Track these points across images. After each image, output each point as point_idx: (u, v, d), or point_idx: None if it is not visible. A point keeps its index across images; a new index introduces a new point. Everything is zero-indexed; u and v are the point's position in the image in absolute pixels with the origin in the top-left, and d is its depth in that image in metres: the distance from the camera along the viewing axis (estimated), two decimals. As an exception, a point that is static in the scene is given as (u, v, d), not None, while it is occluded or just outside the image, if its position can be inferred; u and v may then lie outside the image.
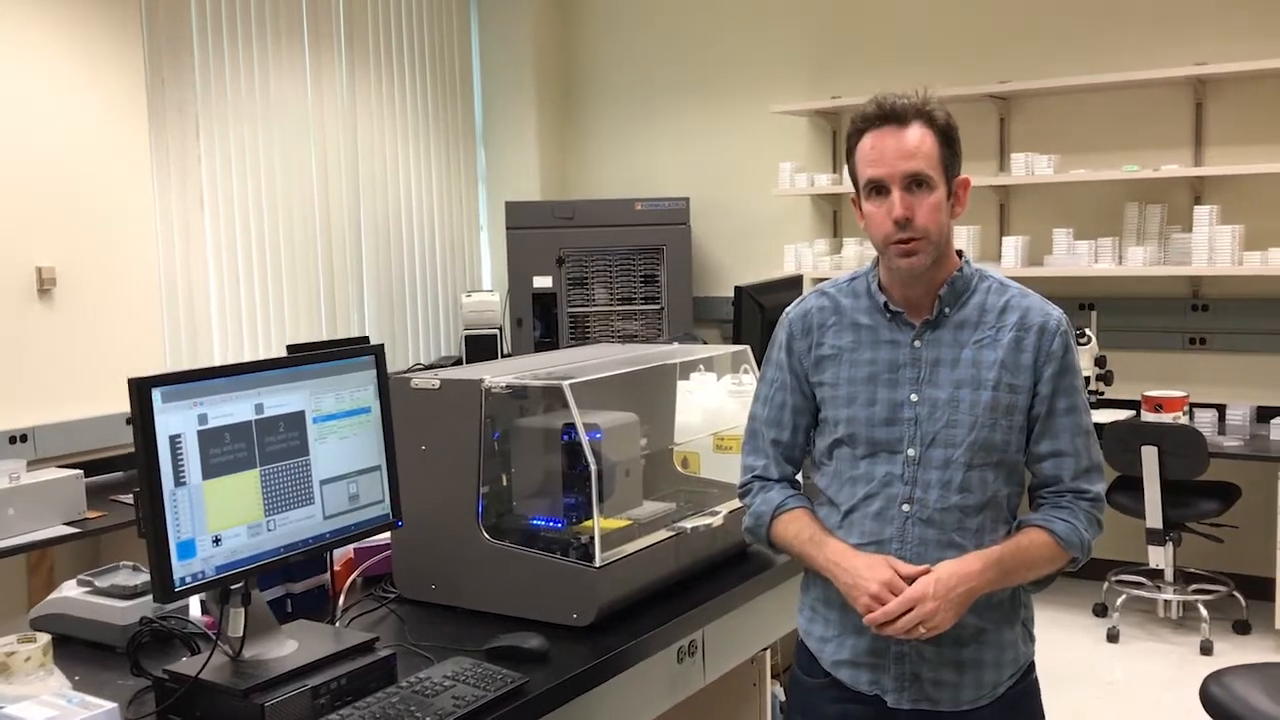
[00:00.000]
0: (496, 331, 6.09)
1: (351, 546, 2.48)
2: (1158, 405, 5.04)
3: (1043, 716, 2.04)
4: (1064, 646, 4.87)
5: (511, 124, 6.91)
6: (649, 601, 2.32)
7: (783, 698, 3.03)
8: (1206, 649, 4.77)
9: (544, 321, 6.29)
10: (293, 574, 2.30)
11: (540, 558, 2.21)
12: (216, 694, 1.78)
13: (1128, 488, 4.95)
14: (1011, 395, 1.91)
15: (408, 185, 6.39)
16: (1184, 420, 5.01)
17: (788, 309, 2.11)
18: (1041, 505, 1.96)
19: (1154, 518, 4.89)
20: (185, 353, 5.10)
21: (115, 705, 1.75)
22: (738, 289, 3.93)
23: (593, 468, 2.19)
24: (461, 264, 6.82)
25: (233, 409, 1.84)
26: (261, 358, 5.00)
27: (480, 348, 6.00)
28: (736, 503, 2.51)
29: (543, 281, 6.27)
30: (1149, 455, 4.81)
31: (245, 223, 5.42)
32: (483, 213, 7.02)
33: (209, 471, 1.80)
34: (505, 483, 2.40)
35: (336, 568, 2.45)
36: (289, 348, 5.16)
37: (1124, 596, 5.13)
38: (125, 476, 4.45)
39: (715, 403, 3.02)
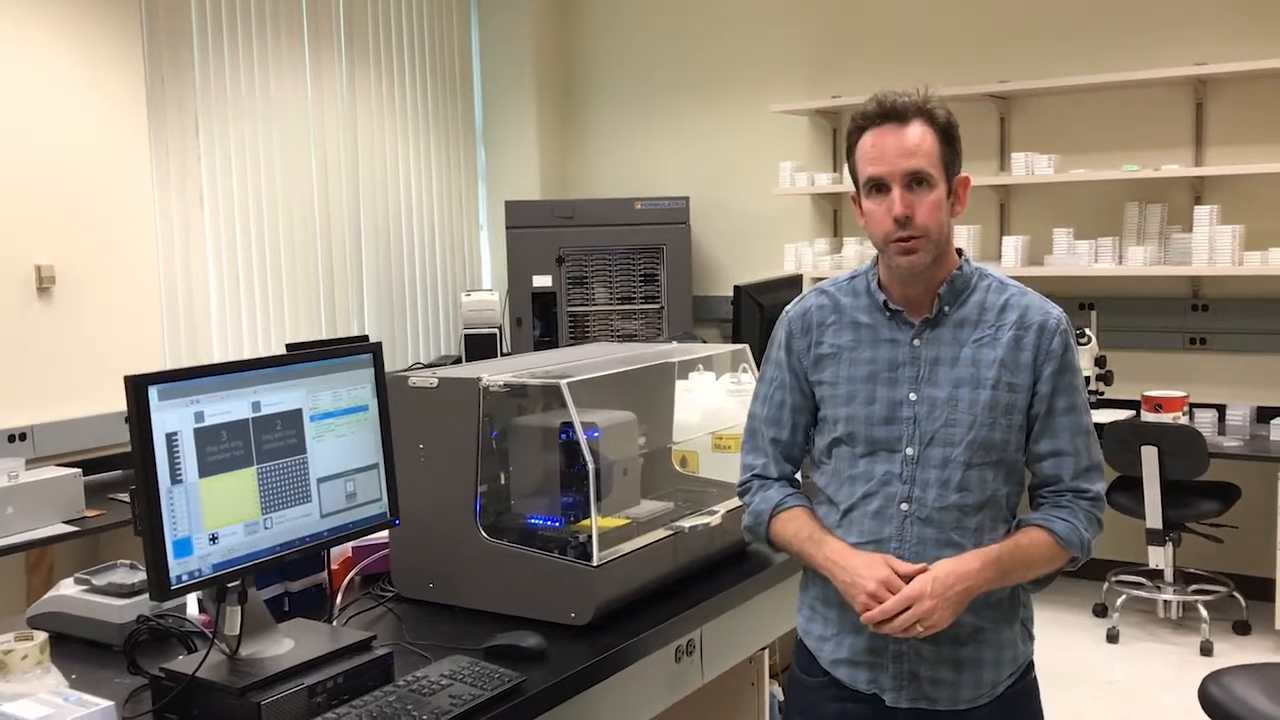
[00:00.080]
0: (496, 331, 6.09)
1: (349, 545, 2.48)
2: (1158, 405, 5.04)
3: (1041, 716, 2.03)
4: (1063, 646, 4.86)
5: (511, 123, 6.91)
6: (647, 600, 2.32)
7: (781, 697, 3.03)
8: (1206, 649, 4.76)
9: (544, 321, 6.29)
10: (290, 572, 2.30)
11: (538, 556, 2.21)
12: (213, 692, 1.77)
13: (1128, 488, 4.95)
14: (1011, 394, 1.90)
15: (408, 184, 6.39)
16: (1184, 420, 5.01)
17: (787, 307, 2.11)
18: (1041, 504, 1.96)
19: (1154, 518, 4.89)
20: (184, 351, 5.09)
21: (111, 704, 1.74)
22: (737, 288, 3.93)
23: (590, 467, 2.18)
24: (461, 263, 6.82)
25: (229, 407, 1.84)
26: (272, 355, 5.00)
27: (480, 347, 5.99)
28: (735, 502, 2.51)
29: (542, 281, 6.26)
30: (1149, 455, 4.80)
31: (245, 221, 5.41)
32: (482, 212, 7.01)
33: (205, 469, 1.79)
34: (503, 481, 2.40)
35: (334, 566, 2.45)
36: (288, 346, 5.16)
37: (1124, 597, 5.12)
38: (124, 475, 4.45)
39: (714, 402, 3.02)
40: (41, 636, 1.94)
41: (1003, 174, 5.68)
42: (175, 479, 1.75)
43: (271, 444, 1.90)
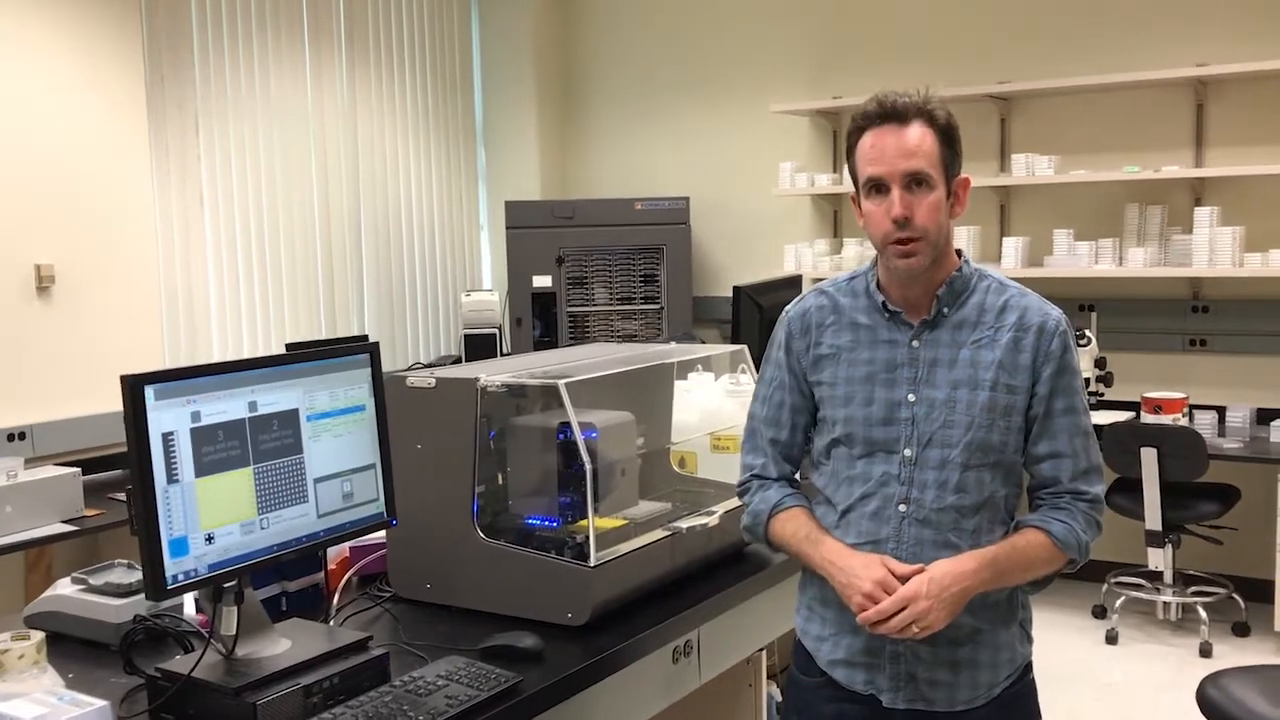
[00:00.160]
0: (496, 331, 6.08)
1: (347, 545, 2.48)
2: (1157, 407, 5.03)
3: (1039, 718, 2.03)
4: (1063, 648, 4.86)
5: (512, 123, 6.90)
6: (644, 601, 2.32)
7: (779, 698, 3.03)
8: (1205, 651, 4.76)
9: (543, 321, 6.28)
10: (287, 572, 2.29)
11: (535, 557, 2.21)
12: (209, 692, 1.77)
13: (1127, 489, 4.94)
14: (1009, 396, 1.90)
15: (408, 184, 6.39)
16: (1184, 422, 5.00)
17: (787, 308, 2.11)
18: (1040, 506, 1.96)
19: (1153, 520, 4.88)
20: (184, 351, 5.09)
21: (106, 703, 1.74)
22: (736, 289, 3.93)
23: (588, 467, 2.18)
24: (461, 263, 6.82)
25: (226, 407, 1.83)
26: (269, 355, 5.00)
27: (479, 347, 5.99)
28: (733, 503, 2.51)
29: (542, 281, 6.26)
30: (1148, 457, 4.80)
31: (245, 221, 5.41)
32: (483, 212, 7.01)
33: (202, 469, 1.79)
34: (501, 482, 2.40)
35: (331, 566, 2.45)
36: (288, 346, 5.16)
37: (1123, 598, 5.12)
38: (123, 474, 4.44)
39: (713, 403, 3.01)
40: (38, 636, 1.93)
41: (1003, 175, 5.68)
42: (171, 479, 1.75)
43: (268, 444, 1.90)
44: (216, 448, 1.82)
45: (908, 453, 1.91)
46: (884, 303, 1.96)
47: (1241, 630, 4.97)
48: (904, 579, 1.83)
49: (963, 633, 1.90)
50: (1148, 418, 5.04)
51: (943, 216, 1.89)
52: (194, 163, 5.18)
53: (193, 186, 5.17)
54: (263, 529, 1.89)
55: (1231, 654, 4.75)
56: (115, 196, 4.79)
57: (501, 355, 6.01)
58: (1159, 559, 4.96)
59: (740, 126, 6.51)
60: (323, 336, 5.67)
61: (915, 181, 1.86)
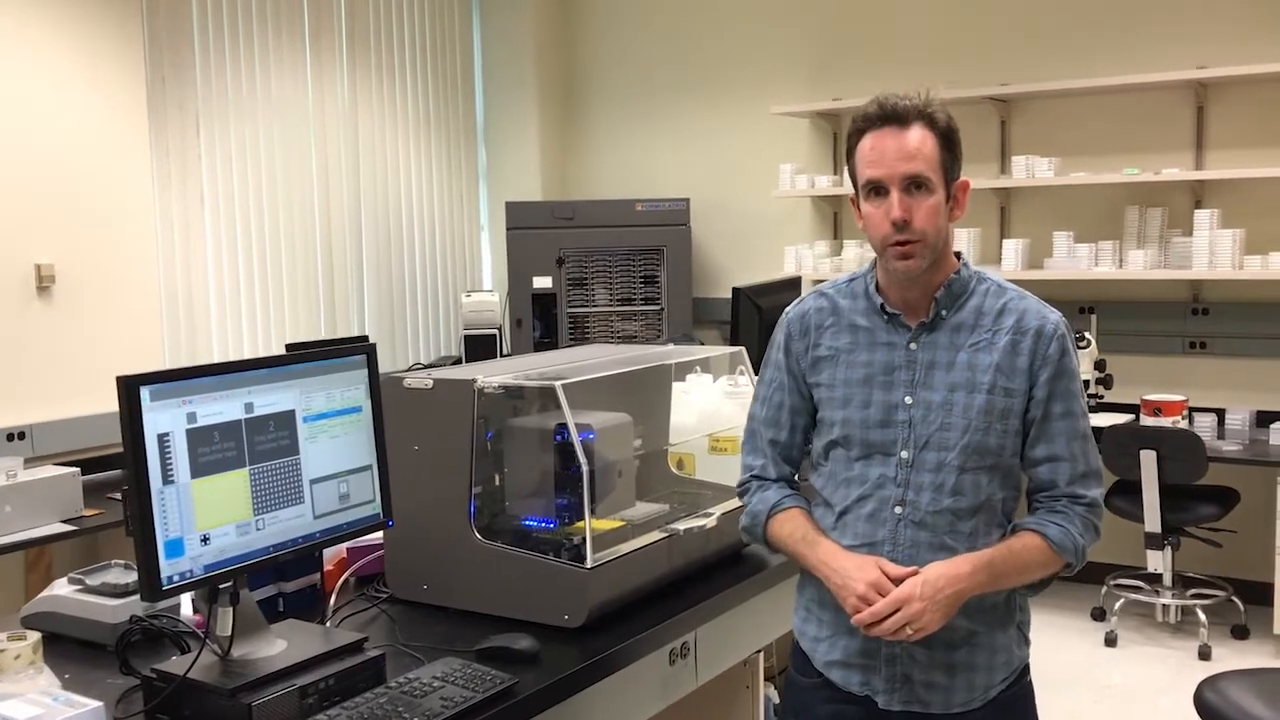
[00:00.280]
0: (496, 332, 6.08)
1: (344, 546, 2.48)
2: (1157, 409, 5.03)
3: (1036, 720, 2.03)
4: (1061, 650, 4.86)
5: (512, 123, 6.91)
6: (641, 603, 2.32)
7: (776, 700, 3.03)
8: (1204, 654, 4.76)
9: (544, 322, 6.28)
10: (284, 573, 2.29)
11: (531, 558, 2.21)
12: (204, 693, 1.77)
13: (1126, 492, 4.94)
14: (1006, 399, 1.90)
15: (408, 184, 6.39)
16: (1183, 424, 5.00)
17: (787, 309, 2.11)
18: (1038, 509, 1.96)
19: (1152, 522, 4.88)
20: (184, 351, 5.09)
21: (101, 704, 1.74)
22: (735, 290, 3.93)
23: (585, 468, 2.18)
24: (462, 264, 6.82)
25: (222, 408, 1.83)
26: (261, 356, 5.00)
27: (479, 348, 5.99)
28: (730, 504, 2.52)
29: (543, 282, 6.26)
30: (1148, 459, 4.80)
31: (245, 221, 5.41)
32: (483, 212, 7.01)
33: (197, 470, 1.79)
34: (498, 483, 2.40)
35: (328, 567, 2.45)
36: (288, 346, 5.16)
37: (1122, 600, 5.12)
38: (122, 475, 4.43)
39: (711, 404, 3.02)
40: (34, 636, 1.93)
41: (1003, 177, 5.68)
42: (167, 479, 1.75)
43: (264, 445, 1.90)
44: (212, 449, 1.82)
45: (904, 455, 1.91)
46: (882, 305, 1.97)
47: (1241, 633, 4.97)
48: (898, 581, 1.83)
49: (958, 635, 1.90)
50: (1147, 420, 5.04)
51: (941, 220, 1.89)
52: (194, 163, 5.18)
53: (193, 186, 5.17)
54: (258, 530, 1.89)
55: (1231, 657, 4.75)
56: (116, 196, 4.79)
57: (501, 356, 6.01)
58: (1158, 561, 4.96)
59: (740, 128, 6.51)
60: (323, 337, 5.67)
61: (914, 184, 1.86)
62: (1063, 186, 5.54)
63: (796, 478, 2.12)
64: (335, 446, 2.03)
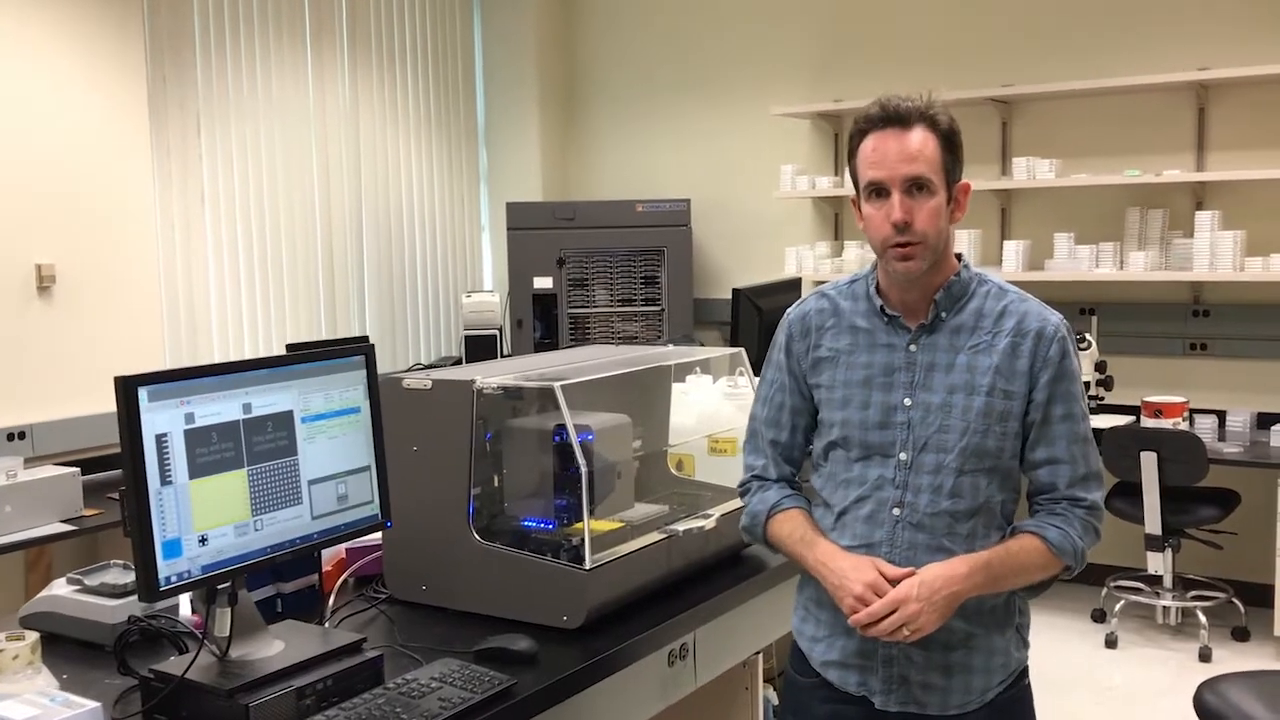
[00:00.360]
0: (496, 332, 6.08)
1: (343, 546, 2.48)
2: (1157, 411, 5.03)
3: (1033, 723, 2.03)
4: (1062, 652, 4.86)
5: (513, 124, 6.91)
6: (640, 604, 2.31)
7: (775, 701, 3.02)
8: (1205, 656, 4.75)
9: (544, 322, 6.28)
10: (283, 574, 2.29)
11: (530, 559, 2.21)
12: (202, 694, 1.77)
13: (1127, 493, 4.93)
14: (1006, 401, 1.90)
15: (409, 185, 6.39)
16: (1184, 426, 4.99)
17: (788, 310, 2.11)
18: (1038, 512, 1.95)
19: (1153, 524, 4.87)
20: (185, 351, 5.10)
21: (98, 705, 1.74)
22: (735, 291, 3.93)
23: (584, 469, 2.18)
24: (462, 264, 6.82)
25: (220, 408, 1.83)
26: (262, 356, 5.00)
27: (480, 348, 5.99)
28: (729, 506, 2.52)
29: (543, 282, 6.26)
30: (1148, 461, 4.79)
31: (246, 221, 5.42)
32: (484, 213, 7.01)
33: (195, 471, 1.79)
34: (497, 484, 2.39)
35: (327, 568, 2.45)
36: (288, 346, 5.16)
37: (1123, 602, 5.11)
38: (122, 475, 4.44)
39: (710, 405, 3.02)
40: (33, 636, 1.93)
41: (1004, 178, 5.67)
42: (165, 480, 1.75)
43: (262, 445, 1.90)
44: (210, 449, 1.82)
45: (903, 456, 1.91)
46: (882, 307, 1.96)
47: (1241, 635, 4.96)
48: (895, 581, 1.83)
49: (956, 637, 1.90)
50: (1148, 422, 5.03)
51: (942, 222, 1.89)
52: (195, 163, 5.18)
53: (194, 187, 5.18)
54: (257, 531, 1.89)
55: (1231, 659, 4.75)
56: (116, 196, 4.79)
57: (502, 356, 6.01)
58: (1159, 563, 4.96)
59: (741, 129, 6.51)
60: (323, 337, 5.67)
61: (916, 186, 1.86)
62: (1064, 188, 5.53)
63: (798, 478, 2.12)
64: (334, 447, 2.03)
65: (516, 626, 2.15)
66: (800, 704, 2.06)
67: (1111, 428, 4.97)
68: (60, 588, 2.23)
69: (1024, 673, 2.00)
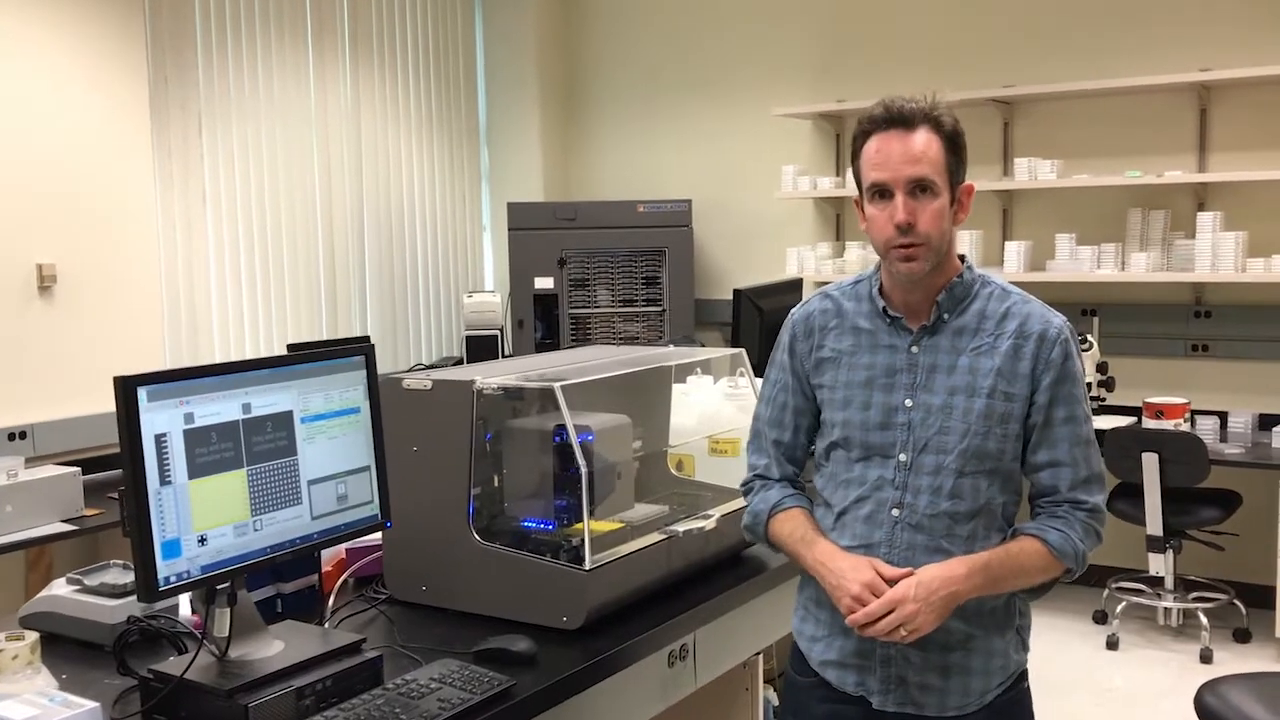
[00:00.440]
0: (497, 332, 6.09)
1: (343, 546, 2.48)
2: (1159, 412, 5.02)
3: (1033, 726, 2.02)
4: (1063, 653, 4.85)
5: (514, 124, 6.91)
6: (640, 604, 2.31)
7: (775, 702, 3.02)
8: (1206, 657, 4.75)
9: (545, 323, 6.28)
10: (283, 574, 2.29)
11: (530, 560, 2.21)
12: (201, 694, 1.77)
13: (1128, 495, 4.93)
14: (1007, 403, 1.89)
15: (410, 185, 6.39)
16: (1185, 427, 4.99)
17: (793, 310, 2.11)
18: (1039, 515, 1.95)
19: (1154, 525, 4.87)
20: (185, 351, 5.10)
21: (97, 705, 1.74)
22: (736, 292, 3.93)
23: (583, 470, 2.18)
24: (463, 264, 6.82)
25: (219, 408, 1.83)
26: (263, 356, 5.00)
27: (481, 348, 5.99)
28: (730, 506, 2.52)
29: (544, 283, 6.26)
30: (1149, 462, 4.79)
31: (247, 221, 5.42)
32: (485, 213, 7.01)
33: (195, 471, 1.79)
34: (497, 484, 2.39)
35: (327, 568, 2.45)
36: (289, 347, 5.16)
37: (1124, 604, 5.11)
38: (122, 475, 4.44)
39: (711, 406, 3.02)
40: (32, 636, 1.93)
41: (1006, 179, 5.67)
42: (164, 480, 1.75)
43: (262, 446, 1.90)
44: (210, 449, 1.82)
45: (903, 458, 1.91)
46: (884, 308, 1.96)
47: (1243, 636, 4.96)
48: (892, 582, 1.83)
49: (954, 638, 1.90)
50: (1149, 423, 5.03)
51: (945, 223, 1.89)
52: (197, 163, 5.18)
53: (195, 187, 5.18)
54: (256, 531, 1.89)
55: (1233, 660, 4.74)
56: (117, 196, 4.79)
57: (503, 357, 6.01)
58: (1160, 564, 4.95)
59: (743, 129, 6.50)
60: (324, 337, 5.67)
61: (919, 188, 1.86)
62: (1065, 189, 5.53)
63: (801, 478, 2.12)
64: (334, 447, 2.03)
65: (516, 627, 2.15)
66: (799, 704, 2.06)
67: (1113, 429, 4.97)
68: (60, 588, 2.23)
69: (1023, 676, 2.00)
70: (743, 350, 2.98)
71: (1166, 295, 5.48)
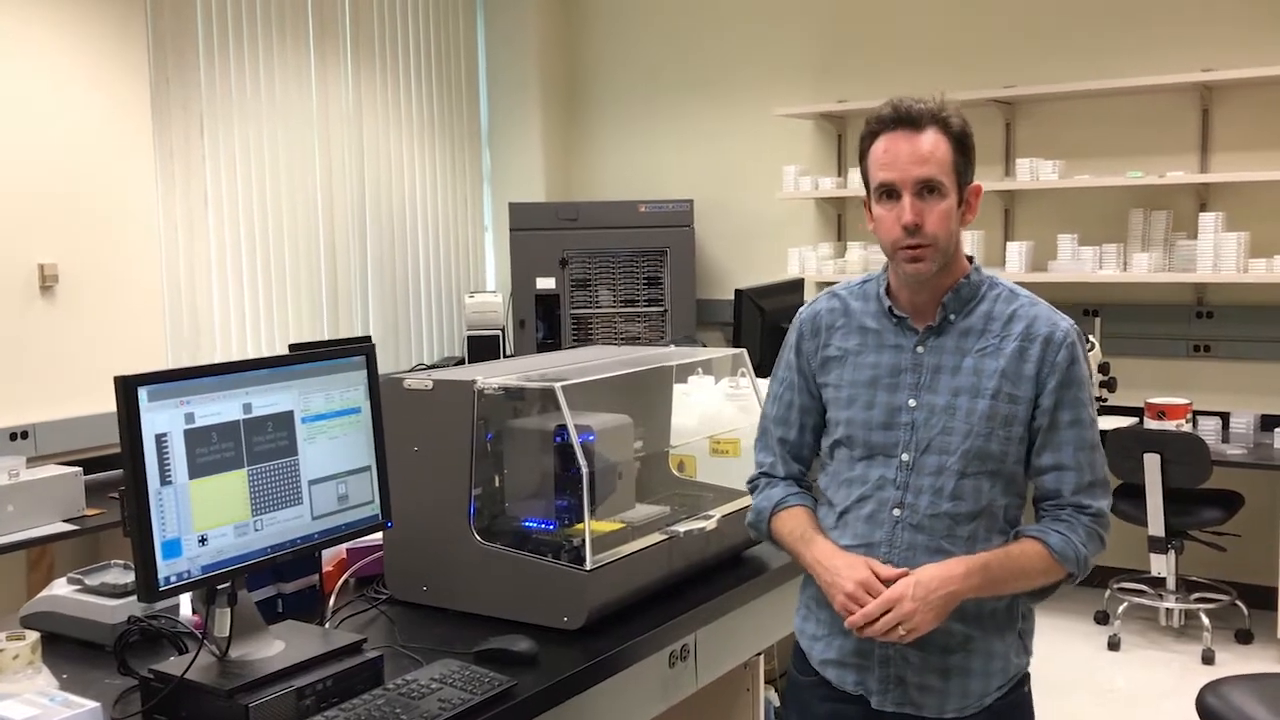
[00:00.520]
0: (499, 332, 6.08)
1: (344, 547, 2.48)
2: (1161, 412, 5.02)
3: (1034, 732, 2.02)
4: (1064, 654, 4.85)
5: (516, 125, 6.91)
6: (641, 605, 2.31)
7: (776, 703, 3.02)
8: (1208, 658, 4.74)
9: (547, 323, 6.28)
10: (284, 574, 2.29)
11: (531, 560, 2.20)
12: (201, 694, 1.77)
13: (1130, 495, 4.92)
14: (1011, 405, 1.89)
15: (412, 185, 6.39)
16: (1187, 428, 4.99)
17: (801, 309, 2.12)
18: (1043, 518, 1.94)
19: (1156, 526, 4.86)
20: (187, 351, 5.10)
21: (98, 705, 1.74)
22: (738, 292, 3.92)
23: (584, 470, 2.18)
24: (465, 265, 6.82)
25: (220, 408, 1.83)
26: (264, 356, 5.00)
27: (482, 349, 5.99)
28: (731, 507, 2.52)
29: (546, 283, 6.26)
30: (1151, 463, 4.78)
31: (249, 222, 5.42)
32: (487, 214, 7.02)
33: (195, 471, 1.79)
34: (497, 484, 2.39)
35: (328, 568, 2.45)
36: (291, 347, 5.16)
37: (1126, 604, 5.10)
38: (123, 475, 4.44)
39: (712, 406, 3.01)
40: (33, 636, 1.93)
41: (1007, 179, 5.67)
42: (165, 480, 1.75)
43: (262, 446, 1.90)
44: (210, 449, 1.81)
45: (905, 457, 1.91)
46: (891, 308, 1.96)
47: (1245, 637, 4.95)
48: (888, 582, 1.82)
49: (954, 639, 1.89)
50: (1151, 423, 5.03)
51: (953, 224, 1.88)
52: (198, 164, 5.18)
53: (197, 187, 5.18)
54: (256, 531, 1.89)
55: (1234, 661, 4.74)
56: (119, 197, 4.79)
57: (504, 357, 6.01)
58: (1162, 565, 4.95)
59: (744, 129, 6.50)
60: (326, 337, 5.67)
61: (927, 189, 1.86)
62: (1067, 189, 5.53)
63: (808, 477, 2.12)
64: (334, 447, 2.03)
65: (517, 627, 2.15)
66: (801, 703, 2.06)
67: (1115, 429, 4.96)
68: (61, 587, 2.23)
69: (1024, 680, 1.99)
70: (744, 350, 2.98)
71: (1168, 296, 5.47)
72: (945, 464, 1.89)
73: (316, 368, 2.01)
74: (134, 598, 2.10)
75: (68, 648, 2.12)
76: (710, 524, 2.44)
